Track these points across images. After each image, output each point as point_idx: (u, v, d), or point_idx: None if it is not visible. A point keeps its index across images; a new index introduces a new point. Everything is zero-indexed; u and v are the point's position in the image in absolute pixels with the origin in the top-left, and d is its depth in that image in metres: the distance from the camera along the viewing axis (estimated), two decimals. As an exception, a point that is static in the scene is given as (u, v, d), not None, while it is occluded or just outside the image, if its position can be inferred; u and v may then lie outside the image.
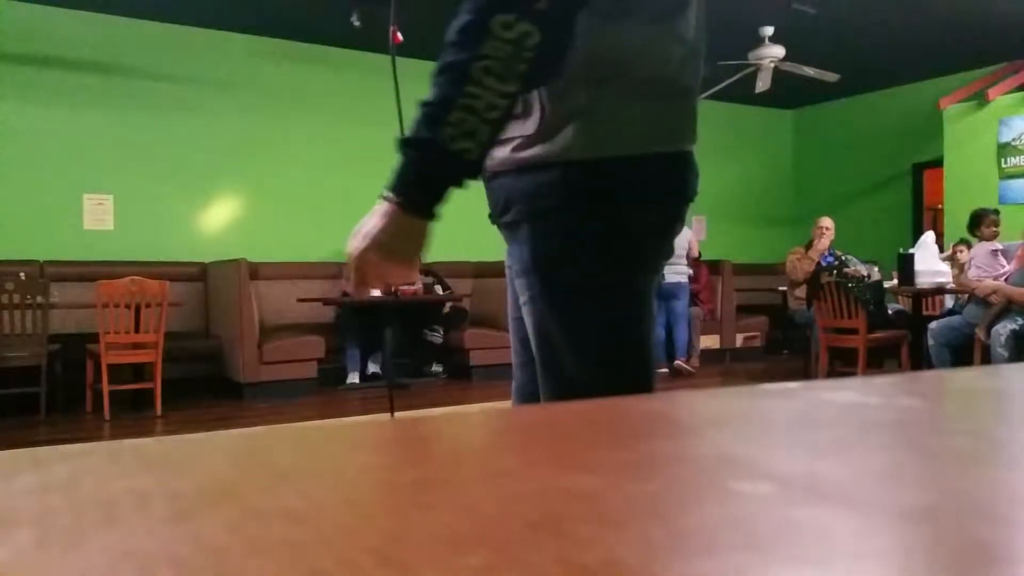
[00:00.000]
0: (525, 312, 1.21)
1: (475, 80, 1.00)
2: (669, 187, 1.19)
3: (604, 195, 1.15)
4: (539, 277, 1.16)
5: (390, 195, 1.07)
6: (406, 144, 1.05)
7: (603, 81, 1.15)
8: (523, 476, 0.31)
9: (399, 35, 1.45)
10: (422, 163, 1.05)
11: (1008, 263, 5.28)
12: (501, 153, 1.18)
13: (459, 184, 1.06)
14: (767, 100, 8.58)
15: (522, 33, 1.00)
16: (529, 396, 1.33)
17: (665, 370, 6.89)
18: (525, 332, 1.27)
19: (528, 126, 1.15)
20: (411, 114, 1.10)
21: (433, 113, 1.03)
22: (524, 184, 1.17)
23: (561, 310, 1.16)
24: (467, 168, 1.04)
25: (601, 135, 1.14)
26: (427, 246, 1.10)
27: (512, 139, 1.16)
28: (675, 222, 1.21)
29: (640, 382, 1.18)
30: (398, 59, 1.35)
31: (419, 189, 1.06)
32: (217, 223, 6.77)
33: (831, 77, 6.82)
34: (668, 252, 1.22)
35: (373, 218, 1.08)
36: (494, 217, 1.25)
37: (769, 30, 6.66)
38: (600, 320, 1.16)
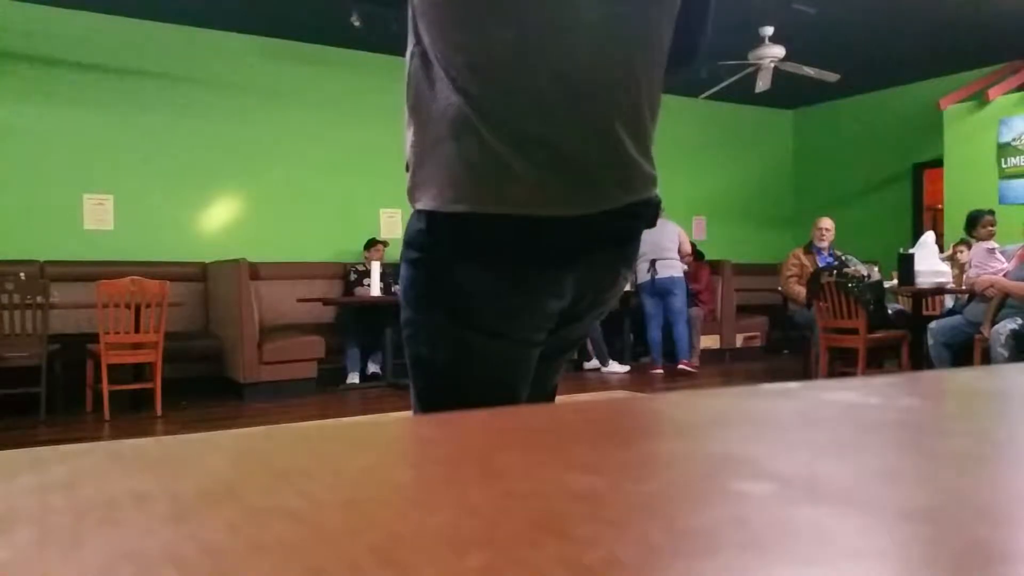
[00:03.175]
0: None
1: None
2: (517, 251, 1.13)
3: (437, 247, 1.14)
4: (401, 309, 1.21)
5: None
6: None
7: (458, 136, 1.10)
8: (523, 476, 0.31)
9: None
10: None
11: (1007, 261, 5.29)
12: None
13: None
14: (767, 100, 8.59)
15: None
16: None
17: (660, 370, 6.88)
18: None
19: (410, 168, 1.17)
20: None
21: None
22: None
23: (406, 342, 1.20)
24: None
25: (447, 189, 1.11)
26: None
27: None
28: (532, 290, 1.15)
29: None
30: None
31: None
32: (217, 223, 6.77)
33: (831, 77, 6.83)
34: (529, 318, 1.16)
35: None
36: None
37: (769, 30, 6.66)
38: (428, 361, 1.18)
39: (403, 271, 1.19)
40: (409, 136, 1.17)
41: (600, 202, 1.14)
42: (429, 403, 1.20)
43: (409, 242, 1.17)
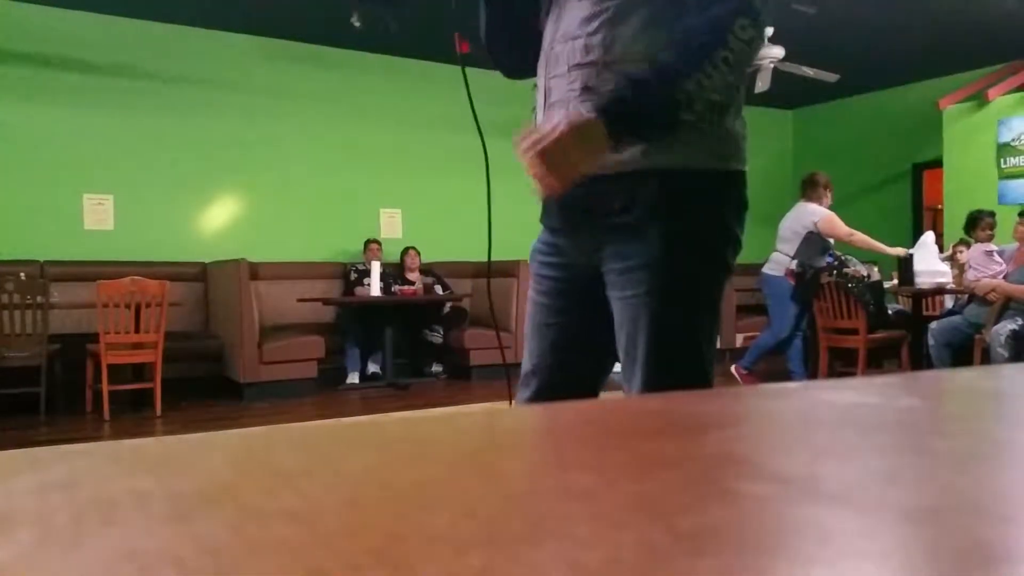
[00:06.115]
0: (631, 302, 1.31)
1: (714, 63, 1.17)
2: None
3: (726, 204, 1.32)
4: (667, 272, 1.28)
5: (596, 113, 1.18)
6: (634, 83, 1.19)
7: (727, 105, 1.29)
8: (523, 476, 0.31)
9: (466, 44, 1.46)
10: (637, 104, 1.19)
11: (1005, 263, 5.30)
12: (628, 155, 1.26)
13: (644, 134, 1.23)
14: (767, 100, 8.57)
15: (752, 36, 1.19)
16: (554, 398, 1.41)
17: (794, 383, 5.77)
18: (567, 334, 1.42)
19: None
20: (486, 119, 1.32)
21: (671, 75, 1.18)
22: (654, 187, 1.28)
23: (683, 300, 1.31)
24: (663, 127, 1.22)
25: (726, 150, 1.30)
26: (599, 161, 1.21)
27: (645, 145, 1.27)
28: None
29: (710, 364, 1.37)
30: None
31: (623, 120, 1.18)
32: (217, 223, 6.77)
33: (831, 77, 6.82)
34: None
35: (557, 122, 1.16)
36: (601, 216, 1.33)
37: (769, 30, 6.66)
38: (708, 309, 1.35)
39: (691, 234, 1.29)
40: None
41: None
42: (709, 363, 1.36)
43: (703, 201, 1.31)
